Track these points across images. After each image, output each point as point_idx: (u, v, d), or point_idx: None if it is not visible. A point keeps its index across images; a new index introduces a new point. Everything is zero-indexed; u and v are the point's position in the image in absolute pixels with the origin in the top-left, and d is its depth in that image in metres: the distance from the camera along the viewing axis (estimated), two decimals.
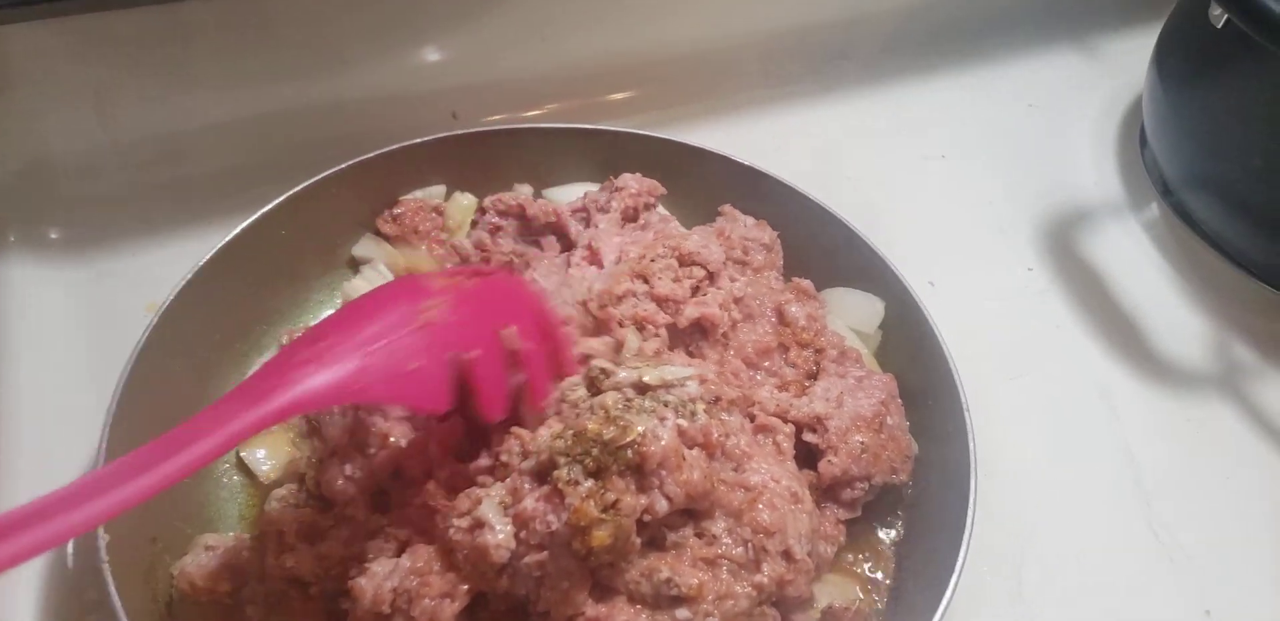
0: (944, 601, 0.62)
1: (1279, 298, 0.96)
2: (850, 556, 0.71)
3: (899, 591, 0.69)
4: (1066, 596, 0.77)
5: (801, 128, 1.09)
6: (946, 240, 1.00)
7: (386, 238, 0.87)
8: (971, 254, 1.00)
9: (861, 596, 0.69)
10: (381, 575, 0.59)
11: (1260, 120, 0.87)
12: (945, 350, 0.73)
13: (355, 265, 0.88)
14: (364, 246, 0.87)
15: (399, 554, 0.61)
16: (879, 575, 0.71)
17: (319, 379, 0.50)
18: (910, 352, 0.77)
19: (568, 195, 0.87)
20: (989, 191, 1.06)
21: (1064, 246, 1.01)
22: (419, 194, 0.88)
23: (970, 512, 0.66)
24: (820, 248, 0.82)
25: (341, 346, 0.52)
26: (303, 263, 0.84)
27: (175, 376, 0.73)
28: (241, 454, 0.75)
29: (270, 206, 0.78)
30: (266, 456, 0.75)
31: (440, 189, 0.89)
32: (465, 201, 0.90)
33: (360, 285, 0.84)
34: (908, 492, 0.74)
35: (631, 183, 0.82)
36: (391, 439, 0.66)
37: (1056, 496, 0.82)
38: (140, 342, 0.69)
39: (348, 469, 0.66)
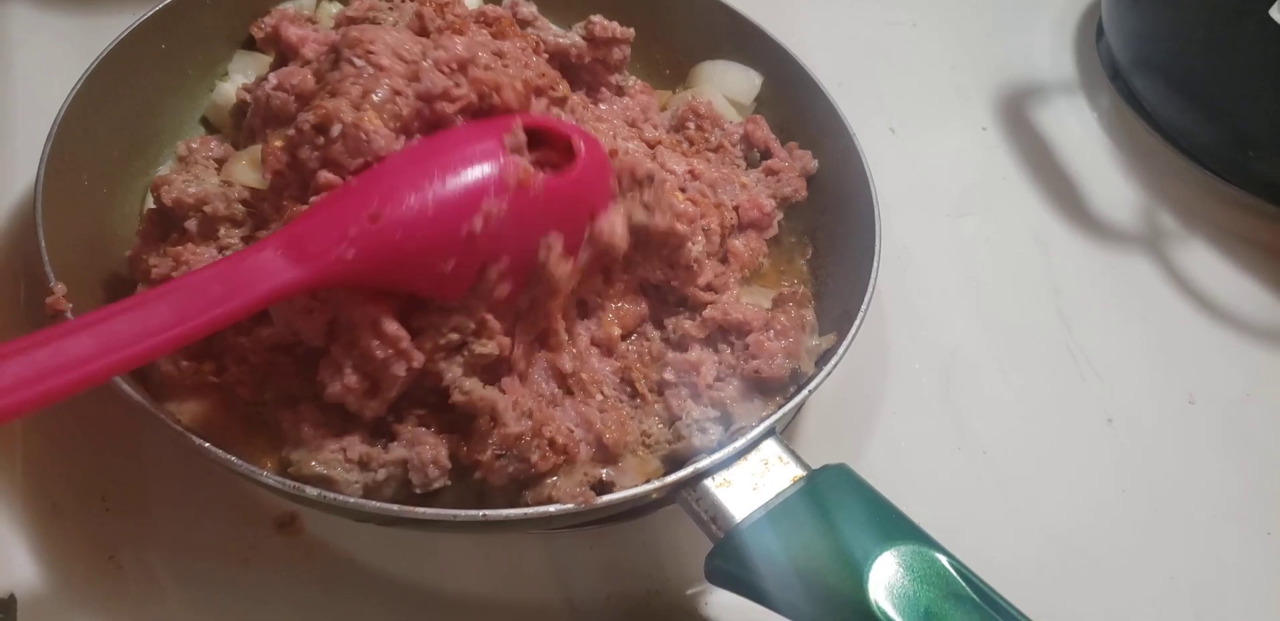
0: (867, 292, 0.71)
1: (1204, 174, 1.08)
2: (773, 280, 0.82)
3: (820, 294, 0.80)
4: (986, 397, 0.89)
5: None
6: (909, 94, 1.09)
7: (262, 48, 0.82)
8: (932, 109, 1.09)
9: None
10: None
11: None
12: (825, 90, 0.81)
13: None
14: (240, 61, 0.83)
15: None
16: (800, 287, 0.80)
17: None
18: (794, 107, 0.85)
19: None
20: (953, 58, 1.14)
21: (1017, 114, 1.10)
22: (289, 6, 0.84)
23: (877, 219, 0.75)
24: (704, 24, 0.87)
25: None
26: (184, 80, 0.81)
27: (84, 190, 0.71)
28: None
29: (142, 19, 0.75)
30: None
31: None
32: (335, 9, 0.84)
33: (227, 89, 0.79)
34: (809, 217, 0.84)
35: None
36: None
37: (987, 317, 0.94)
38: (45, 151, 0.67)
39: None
